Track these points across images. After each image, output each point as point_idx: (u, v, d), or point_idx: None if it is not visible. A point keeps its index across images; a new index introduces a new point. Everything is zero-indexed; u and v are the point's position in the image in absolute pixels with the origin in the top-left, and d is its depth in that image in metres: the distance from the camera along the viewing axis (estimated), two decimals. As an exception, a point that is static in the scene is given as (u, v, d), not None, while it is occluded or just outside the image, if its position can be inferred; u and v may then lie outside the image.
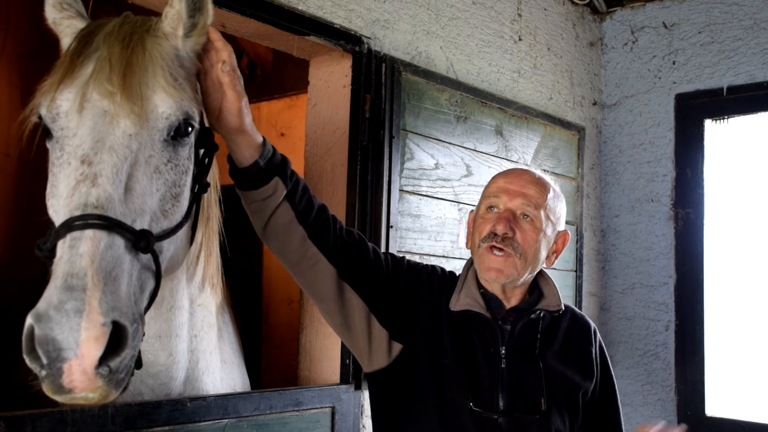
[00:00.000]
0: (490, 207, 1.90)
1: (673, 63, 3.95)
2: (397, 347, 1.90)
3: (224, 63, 1.58)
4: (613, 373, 2.05)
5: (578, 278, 3.81)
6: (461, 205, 3.10)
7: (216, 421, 2.02)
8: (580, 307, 3.77)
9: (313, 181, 2.82)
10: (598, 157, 4.15)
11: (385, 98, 2.75)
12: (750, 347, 3.73)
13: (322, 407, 2.41)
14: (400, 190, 2.81)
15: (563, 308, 1.97)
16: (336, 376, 2.63)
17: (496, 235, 1.83)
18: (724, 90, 3.76)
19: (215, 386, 2.04)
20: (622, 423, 2.04)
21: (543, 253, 1.90)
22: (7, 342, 2.82)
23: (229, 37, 2.86)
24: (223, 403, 2.03)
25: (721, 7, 3.80)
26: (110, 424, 1.78)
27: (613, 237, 4.10)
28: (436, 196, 2.99)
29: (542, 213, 1.87)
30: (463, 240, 3.09)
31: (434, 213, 2.97)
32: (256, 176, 1.71)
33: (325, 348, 2.70)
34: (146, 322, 1.82)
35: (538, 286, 1.99)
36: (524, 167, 2.08)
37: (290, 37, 2.55)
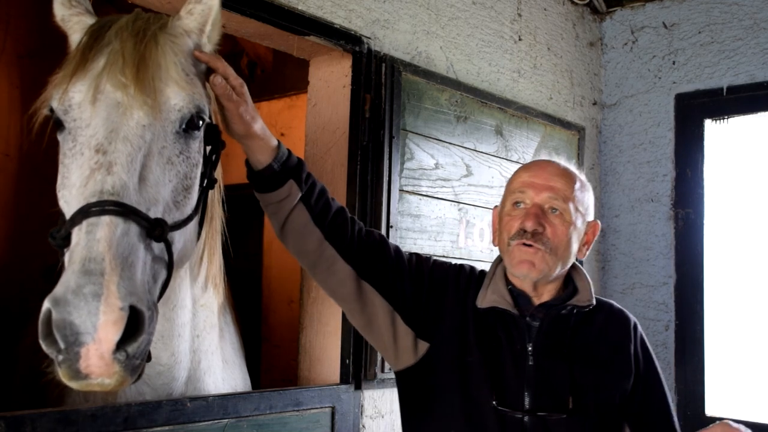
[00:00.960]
0: (516, 203, 1.85)
1: (673, 63, 3.95)
2: (424, 346, 1.88)
3: (214, 75, 1.60)
4: (658, 368, 1.94)
5: (578, 278, 3.81)
6: (461, 205, 3.10)
7: (216, 421, 2.02)
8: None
9: (313, 181, 2.83)
10: (598, 157, 4.16)
11: (385, 98, 2.75)
12: (750, 347, 3.73)
13: (322, 407, 2.41)
14: (400, 190, 2.81)
15: (594, 303, 1.90)
16: (336, 376, 2.63)
17: (525, 231, 1.78)
18: (724, 90, 3.76)
19: (217, 386, 2.04)
20: (675, 419, 1.91)
21: (575, 246, 1.85)
22: (7, 341, 2.83)
23: (229, 37, 2.86)
24: (223, 403, 2.03)
25: (721, 7, 3.80)
26: (110, 424, 1.78)
27: (613, 237, 4.10)
28: (436, 196, 2.99)
29: (571, 205, 1.81)
30: (463, 240, 3.09)
31: (434, 213, 2.97)
32: (271, 179, 1.73)
33: (325, 348, 2.70)
34: None
35: (572, 281, 1.93)
36: (548, 158, 1.96)
37: (290, 37, 2.55)
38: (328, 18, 2.60)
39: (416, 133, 2.90)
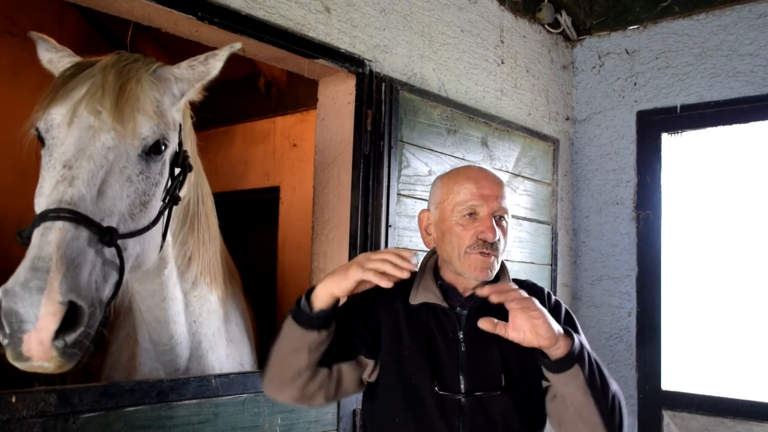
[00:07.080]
0: (470, 214, 1.76)
1: (635, 84, 3.95)
2: (375, 362, 1.74)
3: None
4: (576, 323, 1.80)
5: (553, 271, 3.81)
6: (451, 207, 3.09)
7: (237, 396, 2.01)
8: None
9: (321, 186, 2.82)
10: (571, 165, 4.15)
11: (385, 113, 2.74)
12: (700, 331, 3.74)
13: (329, 383, 2.40)
14: (397, 194, 2.80)
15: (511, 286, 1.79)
16: (342, 355, 2.62)
17: (485, 242, 1.72)
18: (678, 108, 3.77)
19: (220, 362, 2.08)
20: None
21: None
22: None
23: (248, 60, 2.85)
24: (243, 380, 2.03)
25: (675, 37, 3.80)
26: (145, 397, 1.78)
27: (583, 235, 4.10)
28: (429, 199, 2.98)
29: (509, 210, 1.81)
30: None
31: (427, 214, 2.96)
32: (323, 319, 1.57)
33: (332, 331, 2.70)
34: (144, 310, 1.87)
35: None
36: (475, 165, 1.89)
37: (302, 60, 2.55)
38: (334, 44, 2.59)
39: (412, 144, 2.90)
